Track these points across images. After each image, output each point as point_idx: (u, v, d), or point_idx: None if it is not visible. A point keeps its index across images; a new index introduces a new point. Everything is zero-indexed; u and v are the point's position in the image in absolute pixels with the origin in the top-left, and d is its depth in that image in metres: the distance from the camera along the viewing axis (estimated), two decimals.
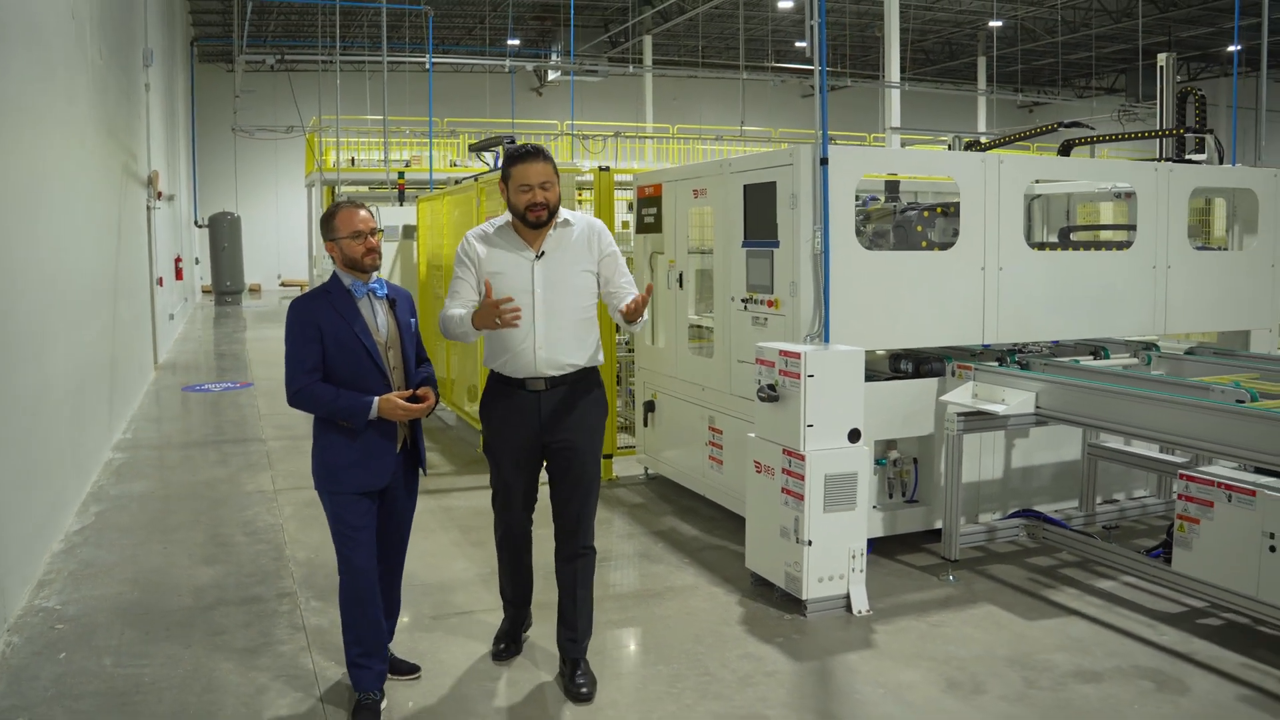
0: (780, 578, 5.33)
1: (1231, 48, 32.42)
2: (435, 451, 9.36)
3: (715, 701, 4.30)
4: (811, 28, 5.67)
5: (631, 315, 4.22)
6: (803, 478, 5.11)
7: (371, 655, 4.19)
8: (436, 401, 4.24)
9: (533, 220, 4.29)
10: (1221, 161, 8.68)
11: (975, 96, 32.15)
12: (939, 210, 6.47)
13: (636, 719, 4.15)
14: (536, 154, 4.30)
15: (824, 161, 5.64)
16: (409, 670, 4.53)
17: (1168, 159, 8.62)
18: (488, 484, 4.59)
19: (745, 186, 6.28)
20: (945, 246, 6.30)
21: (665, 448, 7.69)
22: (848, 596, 5.26)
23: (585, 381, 4.43)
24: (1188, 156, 8.90)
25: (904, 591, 5.60)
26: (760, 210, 6.13)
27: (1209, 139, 8.95)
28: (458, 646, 4.89)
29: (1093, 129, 10.18)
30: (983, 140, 9.66)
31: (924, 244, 6.44)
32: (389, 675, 4.38)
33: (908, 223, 6.51)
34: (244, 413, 11.39)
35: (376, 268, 4.20)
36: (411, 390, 4.18)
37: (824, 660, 4.72)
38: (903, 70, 38.61)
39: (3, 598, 5.06)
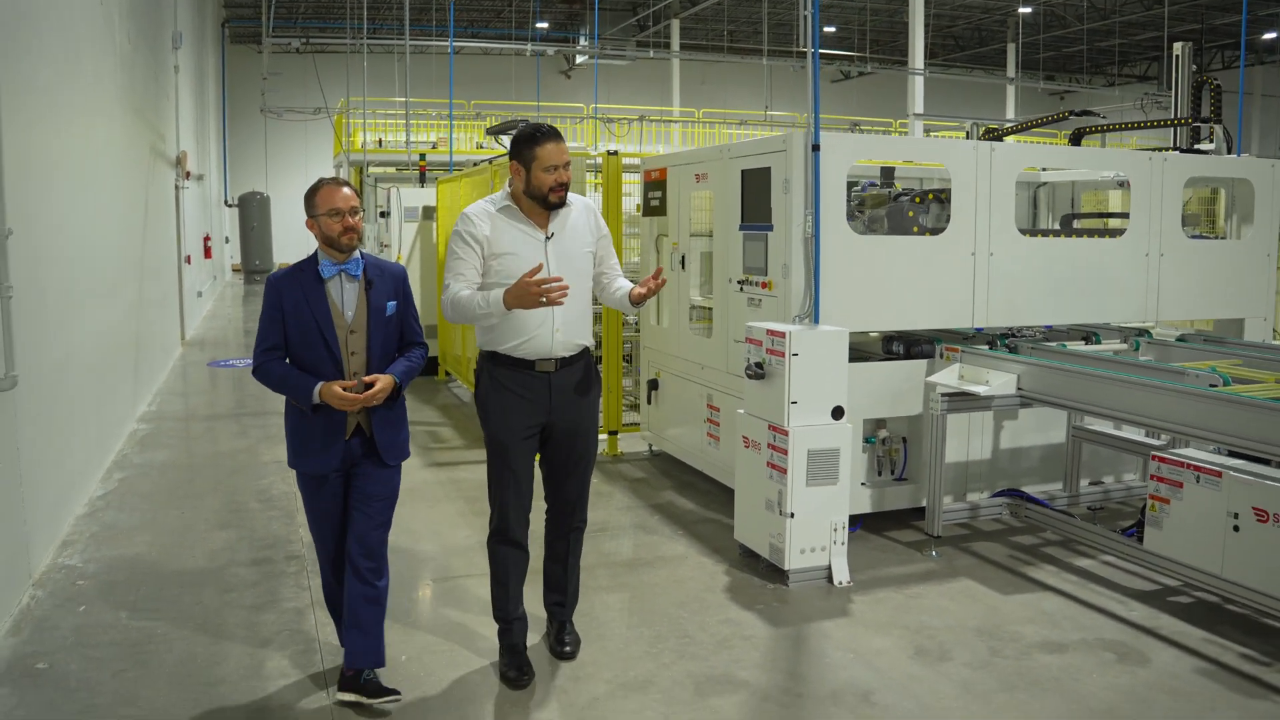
0: (765, 549, 5.55)
1: (1268, 35, 32.18)
2: (447, 426, 9.64)
3: (691, 662, 4.53)
4: (805, 18, 5.84)
5: (642, 300, 4.31)
6: (786, 452, 5.32)
7: (339, 622, 4.36)
8: (400, 392, 4.13)
9: (555, 201, 4.25)
10: (1230, 151, 8.77)
11: (1003, 83, 32.00)
12: (931, 196, 6.64)
13: (613, 676, 4.38)
14: (557, 134, 4.25)
15: (815, 148, 5.82)
16: (385, 694, 4.12)
17: (1177, 148, 8.73)
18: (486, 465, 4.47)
19: (743, 171, 6.47)
20: (937, 232, 6.47)
21: (667, 425, 7.92)
22: (829, 568, 5.47)
23: (584, 361, 4.46)
24: (1197, 146, 9.01)
25: (887, 565, 5.80)
26: (756, 194, 6.32)
27: (1218, 129, 9.05)
28: (452, 606, 5.17)
29: (1103, 118, 10.31)
30: (1004, 127, 9.79)
31: (915, 229, 6.61)
32: (364, 699, 4.09)
33: (900, 208, 6.68)
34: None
35: (354, 248, 4.08)
36: (354, 377, 4.03)
37: (800, 627, 4.94)
38: (932, 56, 38.52)
39: (29, 556, 5.36)
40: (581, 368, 4.43)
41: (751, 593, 5.36)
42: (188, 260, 15.87)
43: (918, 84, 21.47)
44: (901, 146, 8.97)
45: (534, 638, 4.68)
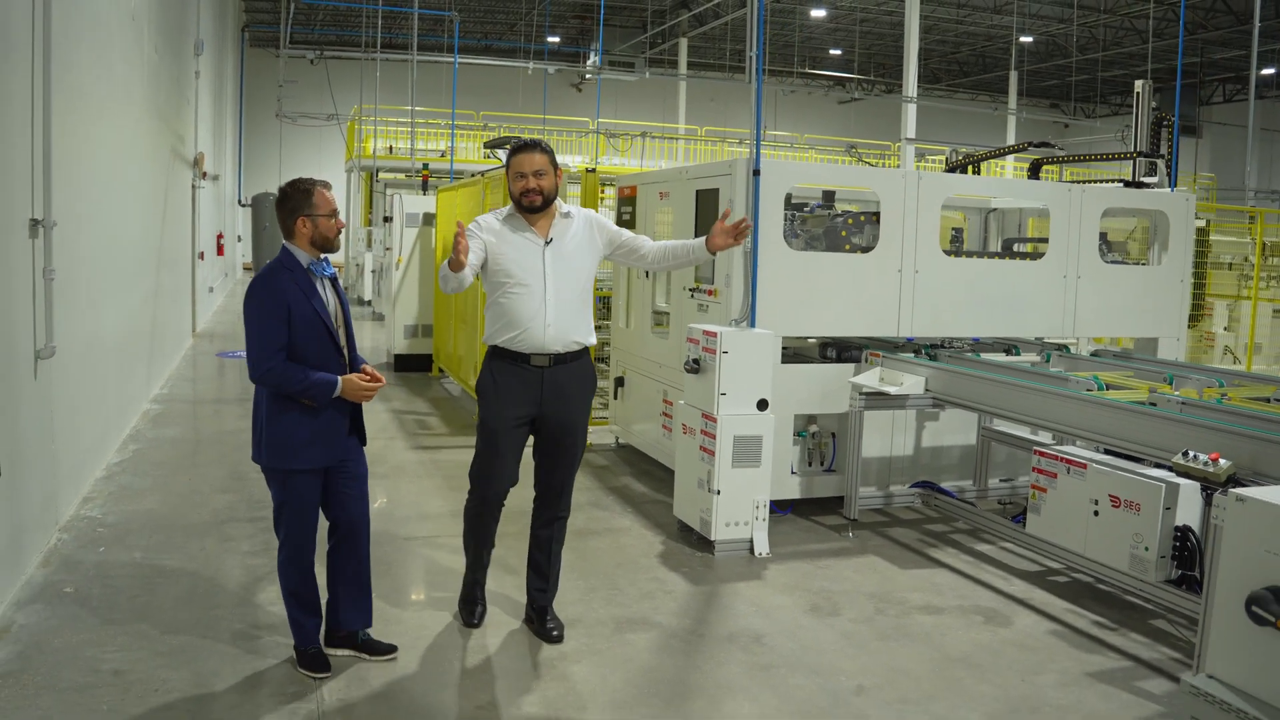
0: (696, 522, 6.35)
1: (1267, 70, 32.90)
2: (435, 416, 10.45)
3: (617, 608, 5.33)
4: (751, 59, 6.64)
5: (721, 248, 4.76)
6: (715, 437, 6.12)
7: (312, 614, 4.45)
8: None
9: (526, 205, 4.63)
10: (1173, 186, 9.59)
11: (992, 112, 32.77)
12: (863, 218, 7.43)
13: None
14: (534, 146, 4.66)
15: (756, 173, 6.62)
16: (385, 650, 4.60)
17: (1126, 181, 9.52)
18: (474, 444, 4.87)
19: (697, 191, 7.28)
20: (868, 250, 7.26)
21: (632, 419, 8.71)
22: (751, 540, 6.26)
23: (581, 359, 4.77)
24: (1140, 179, 9.82)
25: (807, 543, 6.59)
26: (708, 212, 7.12)
27: (1159, 164, 9.88)
28: (424, 561, 5.96)
29: (1060, 149, 11.10)
30: (975, 154, 10.56)
31: (847, 247, 7.40)
32: (364, 656, 4.55)
33: (835, 227, 7.47)
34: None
35: (338, 249, 4.37)
36: (364, 370, 4.32)
37: (716, 586, 5.73)
38: (936, 81, 39.32)
39: (56, 505, 6.17)
40: (578, 366, 4.77)
41: (681, 559, 6.15)
42: (201, 256, 16.71)
43: (910, 111, 22.28)
44: (835, 173, 9.78)
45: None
